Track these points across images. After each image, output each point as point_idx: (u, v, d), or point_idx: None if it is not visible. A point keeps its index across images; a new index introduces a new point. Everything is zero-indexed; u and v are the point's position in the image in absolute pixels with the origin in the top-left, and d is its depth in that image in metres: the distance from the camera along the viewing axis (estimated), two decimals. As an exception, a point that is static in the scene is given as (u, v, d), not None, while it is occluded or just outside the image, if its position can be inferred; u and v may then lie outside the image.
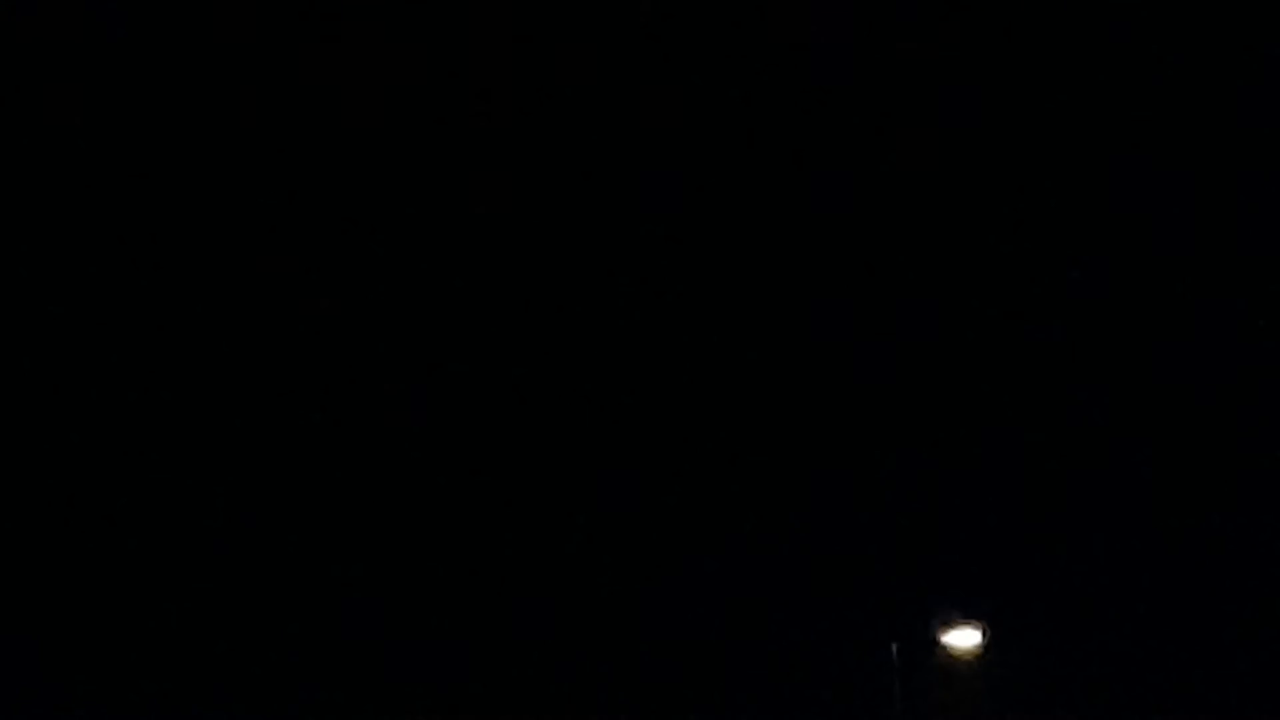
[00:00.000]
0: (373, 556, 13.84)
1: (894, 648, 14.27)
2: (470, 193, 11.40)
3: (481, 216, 11.56)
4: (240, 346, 12.29)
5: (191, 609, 13.92)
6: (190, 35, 10.27)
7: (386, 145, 11.03)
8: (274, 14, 10.16)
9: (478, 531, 13.83)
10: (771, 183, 11.46)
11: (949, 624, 14.06)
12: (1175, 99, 10.97)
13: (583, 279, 12.03)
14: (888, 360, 12.76)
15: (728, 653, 14.47)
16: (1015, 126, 11.14)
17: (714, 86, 10.80)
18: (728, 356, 12.66)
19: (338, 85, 10.63)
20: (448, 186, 11.34)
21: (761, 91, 10.85)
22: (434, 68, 10.56)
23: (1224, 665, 14.46)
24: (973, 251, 12.01)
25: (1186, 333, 12.58)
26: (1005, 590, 14.35)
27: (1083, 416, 13.25)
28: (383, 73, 10.57)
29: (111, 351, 12.19)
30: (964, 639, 14.20)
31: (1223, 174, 11.49)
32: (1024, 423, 13.31)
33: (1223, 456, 13.55)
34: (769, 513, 13.85)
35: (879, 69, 10.71)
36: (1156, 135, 11.20)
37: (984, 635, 14.05)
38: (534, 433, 13.18)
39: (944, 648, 14.21)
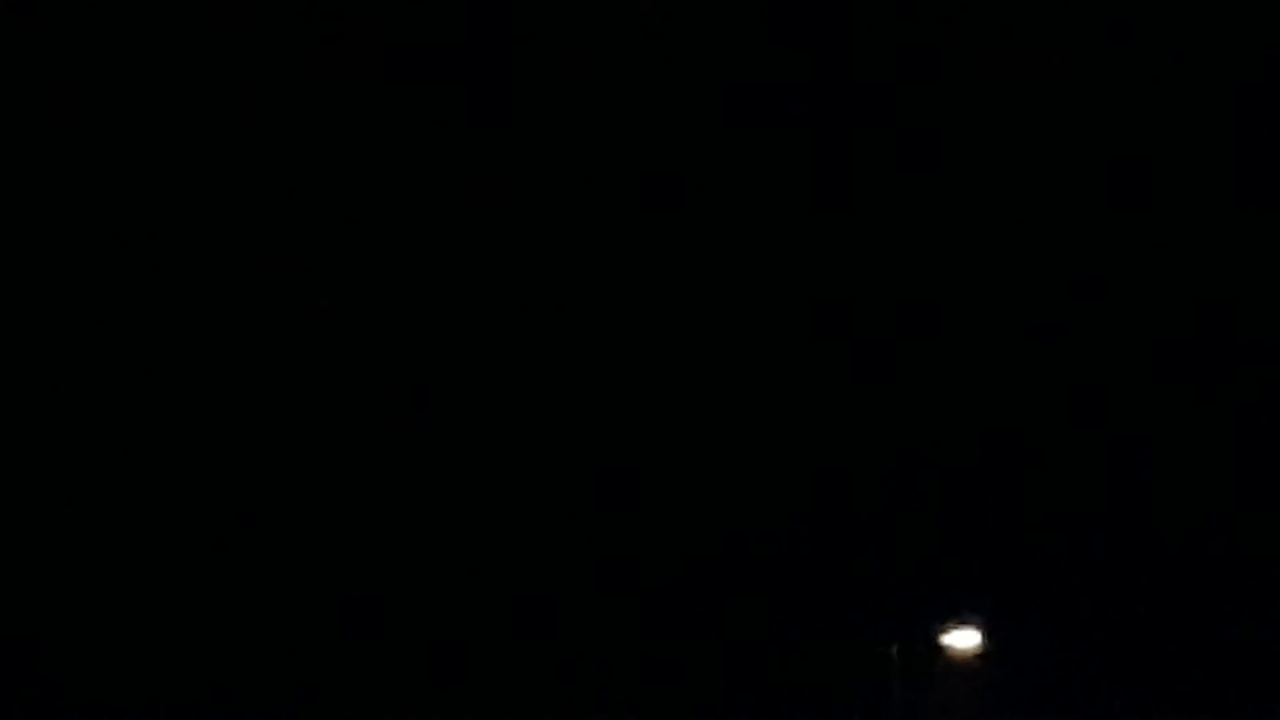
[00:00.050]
0: (372, 556, 13.84)
1: (894, 648, 14.29)
2: (470, 193, 11.39)
3: (481, 216, 11.55)
4: (240, 346, 12.28)
5: (191, 609, 13.92)
6: (189, 35, 10.27)
7: (386, 145, 11.02)
8: (273, 14, 10.16)
9: (478, 531, 13.83)
10: (771, 182, 11.45)
11: (949, 624, 14.08)
12: (1175, 99, 10.96)
13: (582, 279, 12.02)
14: (888, 360, 12.76)
15: (728, 653, 14.47)
16: (1015, 126, 11.13)
17: (714, 86, 10.79)
18: (727, 356, 12.66)
19: (337, 85, 10.62)
20: (448, 186, 11.33)
21: (761, 91, 10.85)
22: (434, 68, 10.56)
23: (1224, 665, 14.47)
24: (973, 251, 12.00)
25: (1186, 333, 12.57)
26: (1005, 590, 14.36)
27: (1083, 416, 13.25)
28: (382, 72, 10.57)
29: (111, 351, 12.18)
30: (964, 639, 14.22)
31: (1223, 174, 11.49)
32: (1024, 423, 13.31)
33: (1223, 456, 13.55)
34: (769, 513, 13.85)
35: (879, 69, 10.72)
36: (1156, 135, 11.20)
37: (984, 636, 14.07)
38: (534, 433, 13.18)
39: (944, 648, 14.24)
